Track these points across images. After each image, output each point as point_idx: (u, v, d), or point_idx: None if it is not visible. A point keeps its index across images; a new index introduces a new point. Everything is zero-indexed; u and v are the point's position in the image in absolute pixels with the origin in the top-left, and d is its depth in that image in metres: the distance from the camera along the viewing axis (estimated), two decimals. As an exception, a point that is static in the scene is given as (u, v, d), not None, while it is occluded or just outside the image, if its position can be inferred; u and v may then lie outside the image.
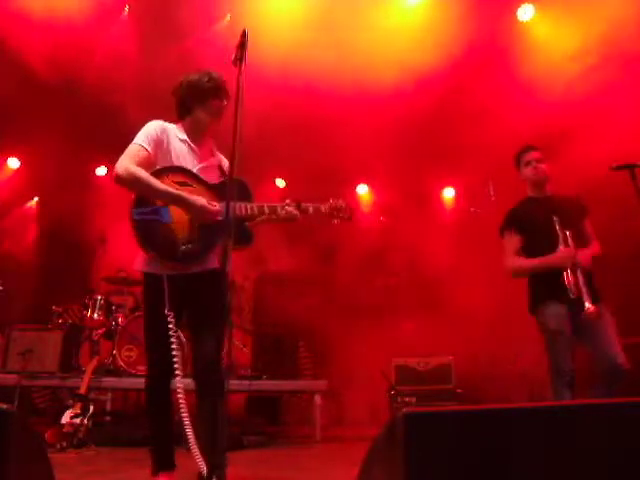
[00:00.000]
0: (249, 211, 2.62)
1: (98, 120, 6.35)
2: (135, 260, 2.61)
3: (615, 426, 1.22)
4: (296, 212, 2.71)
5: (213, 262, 2.61)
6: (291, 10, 5.74)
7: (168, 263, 2.51)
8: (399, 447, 1.14)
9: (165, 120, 2.68)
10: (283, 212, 2.68)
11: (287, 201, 2.72)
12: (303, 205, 2.76)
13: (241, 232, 2.59)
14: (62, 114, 6.20)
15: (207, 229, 2.55)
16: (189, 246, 2.52)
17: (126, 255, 6.14)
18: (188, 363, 5.27)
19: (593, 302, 3.21)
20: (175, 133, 2.64)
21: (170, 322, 2.46)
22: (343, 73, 5.61)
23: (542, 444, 1.18)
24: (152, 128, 2.58)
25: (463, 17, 5.66)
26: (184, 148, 2.62)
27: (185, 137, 2.65)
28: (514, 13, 6.08)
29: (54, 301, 6.09)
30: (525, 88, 5.93)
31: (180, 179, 2.55)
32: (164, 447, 2.56)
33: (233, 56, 2.25)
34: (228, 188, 2.21)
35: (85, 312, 5.72)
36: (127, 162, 2.46)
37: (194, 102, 2.65)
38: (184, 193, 2.51)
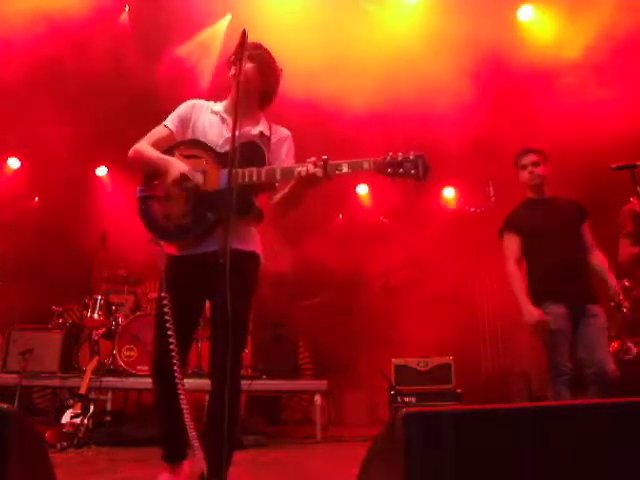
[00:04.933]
0: (255, 177, 2.24)
1: (98, 120, 6.34)
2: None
3: (615, 426, 1.22)
4: (319, 172, 2.16)
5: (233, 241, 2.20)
6: (292, 11, 5.74)
7: (166, 240, 2.39)
8: (399, 447, 1.14)
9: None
10: (303, 173, 2.18)
11: (312, 159, 2.20)
12: (332, 163, 2.18)
13: (239, 202, 2.17)
14: (62, 114, 6.20)
15: (200, 201, 2.31)
16: (185, 219, 2.30)
17: (126, 254, 6.18)
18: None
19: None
20: (209, 107, 2.57)
21: (165, 305, 2.23)
22: (342, 73, 5.60)
23: (542, 444, 1.18)
24: (181, 106, 2.56)
25: (463, 17, 5.66)
26: (214, 120, 2.52)
27: (219, 109, 2.55)
28: (515, 13, 6.08)
29: (54, 301, 6.08)
30: (525, 88, 5.93)
31: (189, 152, 2.41)
32: (172, 438, 2.44)
33: (233, 56, 2.25)
34: (228, 178, 2.01)
35: (85, 312, 5.72)
36: (139, 142, 2.44)
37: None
38: (168, 159, 2.36)
